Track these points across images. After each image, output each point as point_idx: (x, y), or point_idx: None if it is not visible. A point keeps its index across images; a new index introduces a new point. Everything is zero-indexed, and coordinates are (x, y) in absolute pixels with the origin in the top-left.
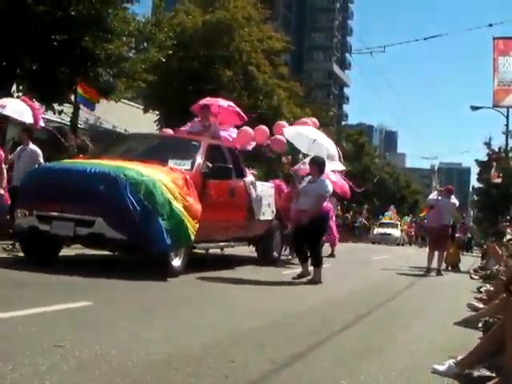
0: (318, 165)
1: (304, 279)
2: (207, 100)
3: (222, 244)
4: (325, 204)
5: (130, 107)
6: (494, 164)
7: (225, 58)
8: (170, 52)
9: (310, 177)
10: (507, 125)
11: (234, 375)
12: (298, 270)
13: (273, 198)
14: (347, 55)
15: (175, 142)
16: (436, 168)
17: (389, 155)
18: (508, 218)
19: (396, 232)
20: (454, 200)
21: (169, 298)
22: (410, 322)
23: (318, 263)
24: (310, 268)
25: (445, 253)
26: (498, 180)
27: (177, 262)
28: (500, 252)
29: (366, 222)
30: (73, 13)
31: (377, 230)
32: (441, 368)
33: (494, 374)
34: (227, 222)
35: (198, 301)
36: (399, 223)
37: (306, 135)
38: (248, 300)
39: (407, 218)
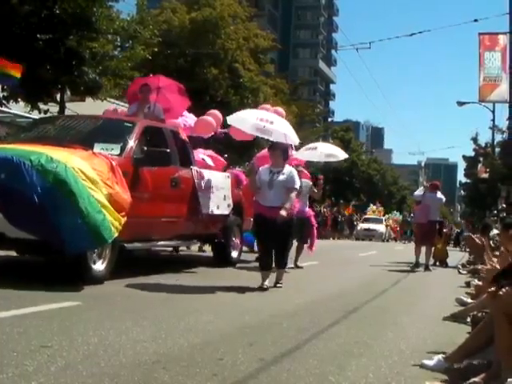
0: (281, 151)
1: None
2: (145, 79)
3: (163, 243)
4: (306, 209)
5: (117, 106)
6: (481, 159)
7: (211, 56)
8: (156, 49)
9: (267, 166)
10: (494, 120)
11: (222, 373)
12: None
13: (229, 190)
14: (333, 52)
15: (105, 124)
16: (423, 164)
17: (375, 151)
18: (495, 212)
19: (381, 227)
20: (440, 195)
21: (155, 298)
22: (399, 317)
23: (283, 265)
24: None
25: (432, 248)
26: (485, 175)
27: (99, 266)
28: (479, 242)
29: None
30: (57, 12)
31: (361, 226)
32: (430, 363)
33: (483, 368)
34: (169, 217)
35: (184, 301)
36: (384, 218)
37: (252, 119)
38: (235, 300)
39: (396, 214)
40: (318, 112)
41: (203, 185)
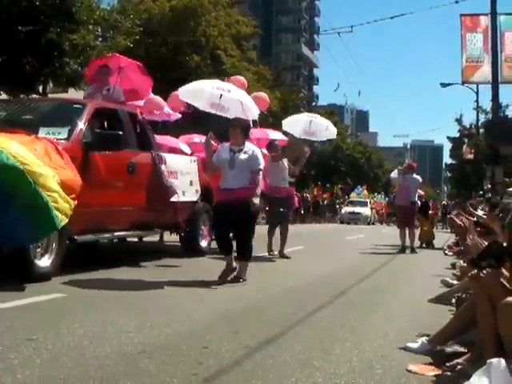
0: (241, 129)
1: (230, 277)
2: (104, 59)
3: (120, 234)
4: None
5: None
6: (466, 140)
7: (192, 44)
8: (137, 37)
9: (227, 144)
10: (477, 101)
11: (207, 361)
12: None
13: (196, 175)
14: (315, 36)
15: (52, 107)
16: (408, 146)
17: (361, 134)
18: (481, 193)
19: (366, 210)
20: (417, 176)
21: (136, 289)
22: (384, 300)
23: (247, 257)
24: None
25: (417, 230)
26: (471, 156)
27: (45, 261)
28: (461, 224)
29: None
30: (37, 3)
31: (345, 209)
32: (414, 345)
33: (466, 350)
34: (126, 206)
35: (170, 291)
36: (368, 201)
37: (207, 88)
38: (218, 288)
39: (378, 196)
40: (301, 97)
41: (165, 170)
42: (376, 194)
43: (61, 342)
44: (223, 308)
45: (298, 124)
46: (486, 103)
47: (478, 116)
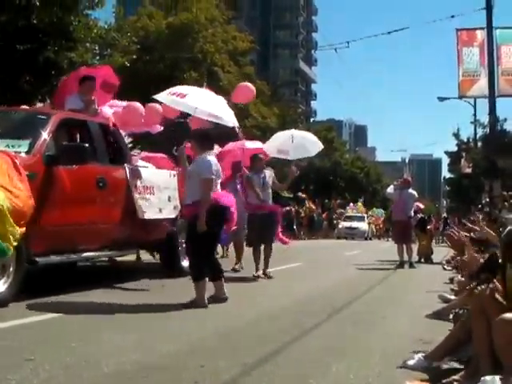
0: (195, 139)
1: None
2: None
3: (91, 254)
4: (270, 203)
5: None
6: (464, 154)
7: (189, 60)
8: (135, 56)
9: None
10: (475, 114)
11: (203, 379)
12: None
13: (176, 190)
14: (313, 52)
15: (15, 117)
16: (407, 160)
17: (359, 149)
18: (480, 206)
19: (363, 225)
20: (412, 191)
21: (133, 308)
22: (381, 316)
23: (216, 276)
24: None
25: (415, 245)
26: (469, 170)
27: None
28: (458, 238)
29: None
30: (34, 21)
31: (342, 224)
32: (410, 362)
33: (462, 366)
34: (96, 224)
35: (166, 309)
36: (366, 216)
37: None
38: (215, 306)
39: (376, 211)
40: (299, 112)
41: (140, 185)
42: (374, 208)
43: (58, 361)
44: (219, 326)
45: (275, 140)
46: (484, 117)
47: (475, 130)
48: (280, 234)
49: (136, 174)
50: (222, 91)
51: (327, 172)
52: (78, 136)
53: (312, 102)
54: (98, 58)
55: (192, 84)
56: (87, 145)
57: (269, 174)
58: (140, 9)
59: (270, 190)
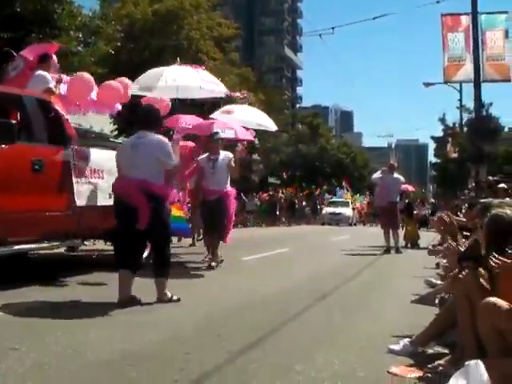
0: (141, 116)
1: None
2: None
3: (26, 247)
4: (227, 188)
5: None
6: (450, 139)
7: (174, 47)
8: (119, 44)
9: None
10: (461, 99)
11: (189, 367)
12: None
13: None
14: (298, 38)
15: None
16: (393, 146)
17: (345, 135)
18: (466, 191)
19: (347, 211)
20: (397, 176)
21: (112, 298)
22: (367, 302)
23: (163, 272)
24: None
25: (401, 230)
26: (455, 155)
27: None
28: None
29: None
30: (18, 10)
31: (326, 210)
32: (396, 347)
33: (447, 351)
34: (32, 212)
35: (145, 299)
36: (350, 201)
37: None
38: (200, 293)
39: (359, 198)
40: (285, 98)
41: (85, 168)
42: (358, 195)
43: (44, 351)
44: (205, 313)
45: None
46: (470, 102)
47: (461, 115)
48: (230, 228)
49: (81, 155)
50: None
51: (313, 158)
52: (11, 112)
53: (298, 88)
54: (82, 45)
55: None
56: (14, 122)
57: (223, 157)
58: None
59: (226, 174)
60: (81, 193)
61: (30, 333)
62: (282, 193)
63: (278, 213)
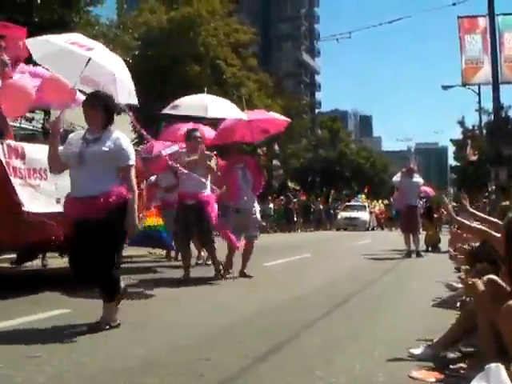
0: (101, 107)
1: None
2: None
3: None
4: (205, 192)
5: None
6: (469, 142)
7: (192, 54)
8: (136, 52)
9: (81, 132)
10: (479, 102)
11: (209, 373)
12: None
13: None
14: (315, 43)
15: None
16: (413, 149)
17: (364, 140)
18: (486, 194)
19: (364, 215)
20: (417, 179)
21: (135, 304)
22: (388, 306)
23: (111, 293)
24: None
25: (421, 234)
26: (474, 158)
27: None
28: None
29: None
30: (36, 19)
31: (341, 215)
32: (416, 351)
33: (468, 355)
34: None
35: (165, 306)
36: (367, 204)
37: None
38: (218, 300)
39: (378, 203)
40: (304, 103)
41: (23, 168)
42: (375, 201)
43: (63, 358)
44: (224, 320)
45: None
46: (489, 104)
47: (480, 117)
48: (229, 233)
49: (17, 152)
50: (226, 84)
51: (333, 162)
52: None
53: (316, 93)
54: None
55: (195, 78)
56: None
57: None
58: (142, 3)
59: (205, 176)
60: (21, 196)
61: (50, 340)
62: (296, 198)
63: (295, 219)
